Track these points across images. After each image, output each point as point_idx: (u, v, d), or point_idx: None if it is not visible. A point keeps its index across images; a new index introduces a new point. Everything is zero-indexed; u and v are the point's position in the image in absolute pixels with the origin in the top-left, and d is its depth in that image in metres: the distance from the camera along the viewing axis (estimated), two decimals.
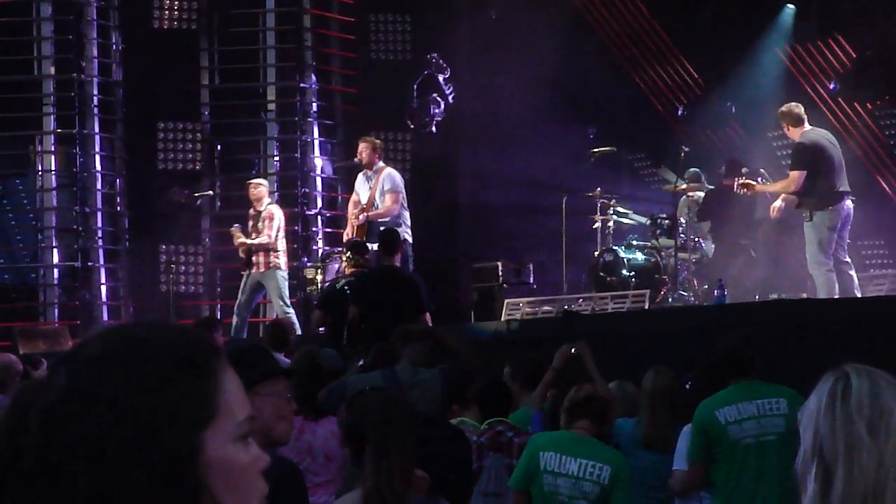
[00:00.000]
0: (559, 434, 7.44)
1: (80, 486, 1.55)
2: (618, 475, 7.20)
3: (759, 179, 14.37)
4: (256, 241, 15.13)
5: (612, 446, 7.82)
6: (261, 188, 15.56)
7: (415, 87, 18.22)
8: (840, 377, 3.00)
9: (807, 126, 13.09)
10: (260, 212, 15.33)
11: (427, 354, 8.26)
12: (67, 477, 1.55)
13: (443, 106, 18.04)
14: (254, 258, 15.23)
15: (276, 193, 18.61)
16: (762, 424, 7.53)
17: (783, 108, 13.28)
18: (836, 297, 12.72)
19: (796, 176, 12.81)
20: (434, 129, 18.21)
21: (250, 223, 15.46)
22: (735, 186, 13.60)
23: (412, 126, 18.47)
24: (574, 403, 7.36)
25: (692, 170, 16.09)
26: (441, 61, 18.08)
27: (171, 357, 1.63)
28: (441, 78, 18.12)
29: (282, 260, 15.32)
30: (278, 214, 15.39)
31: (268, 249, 15.16)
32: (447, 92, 18.12)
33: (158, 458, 1.57)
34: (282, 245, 15.36)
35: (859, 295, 12.99)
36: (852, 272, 12.95)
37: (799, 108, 13.19)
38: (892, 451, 2.90)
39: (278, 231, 15.28)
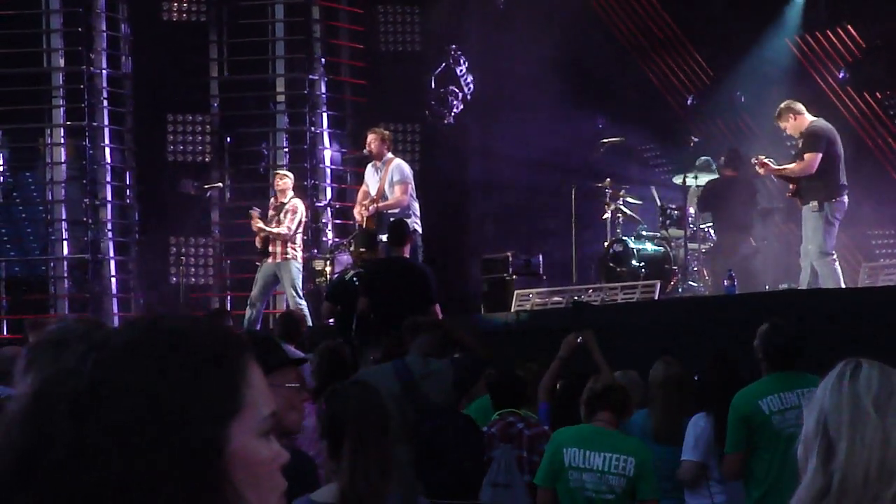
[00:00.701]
0: (581, 428, 7.41)
1: (110, 474, 1.54)
2: (643, 465, 7.19)
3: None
4: (276, 231, 15.21)
5: None
6: (286, 180, 15.67)
7: (432, 78, 18.19)
8: (850, 362, 3.00)
9: (811, 116, 13.16)
10: (283, 203, 15.40)
11: (437, 346, 8.29)
12: (98, 464, 1.54)
13: (461, 97, 18.01)
14: (271, 248, 15.29)
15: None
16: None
17: (783, 105, 13.30)
18: (843, 286, 12.78)
19: (813, 158, 12.81)
20: (452, 120, 18.19)
21: (270, 212, 15.52)
22: (754, 165, 13.54)
23: (430, 117, 18.43)
24: (593, 395, 7.34)
25: (703, 158, 16.09)
26: (460, 53, 18.04)
27: (200, 348, 1.63)
28: (459, 70, 18.09)
29: (298, 252, 15.43)
30: (301, 209, 15.50)
31: (285, 241, 15.23)
32: (465, 84, 18.08)
33: (187, 447, 1.57)
34: (299, 238, 15.46)
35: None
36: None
37: (797, 103, 13.28)
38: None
39: (299, 225, 15.38)
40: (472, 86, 18.15)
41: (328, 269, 15.86)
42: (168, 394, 1.58)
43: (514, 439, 8.12)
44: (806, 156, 12.90)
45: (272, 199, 15.82)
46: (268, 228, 15.27)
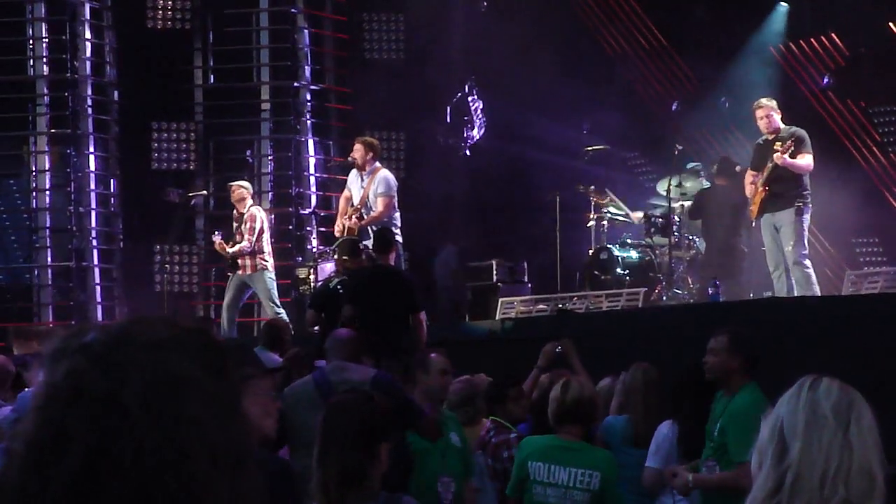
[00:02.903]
0: (547, 441, 7.40)
1: (197, 469, 1.53)
2: (608, 479, 7.18)
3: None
4: (235, 249, 15.11)
5: (599, 443, 7.84)
6: (241, 190, 15.48)
7: (448, 108, 18.15)
8: (810, 376, 2.98)
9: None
10: (242, 214, 15.31)
11: (350, 350, 8.32)
12: (184, 459, 1.53)
13: (476, 129, 17.97)
14: (240, 261, 15.21)
15: (269, 193, 18.61)
16: None
17: (766, 100, 13.35)
18: (819, 294, 12.84)
19: (811, 160, 12.90)
20: (468, 151, 18.16)
21: (234, 225, 15.46)
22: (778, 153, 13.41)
23: (446, 147, 18.39)
24: (561, 409, 7.30)
25: (694, 163, 16.14)
26: (475, 85, 17.99)
27: (222, 347, 1.64)
28: (471, 100, 18.02)
29: (269, 261, 15.28)
30: (260, 216, 15.31)
31: (253, 252, 15.14)
32: (477, 119, 18.01)
33: (238, 438, 1.58)
34: (267, 247, 15.32)
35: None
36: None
37: None
38: (863, 441, 2.86)
39: (260, 234, 15.21)
40: (484, 119, 18.07)
41: (311, 276, 15.80)
42: (217, 388, 1.58)
43: (485, 447, 8.17)
44: (807, 156, 12.91)
45: (234, 212, 15.70)
46: (229, 250, 15.18)
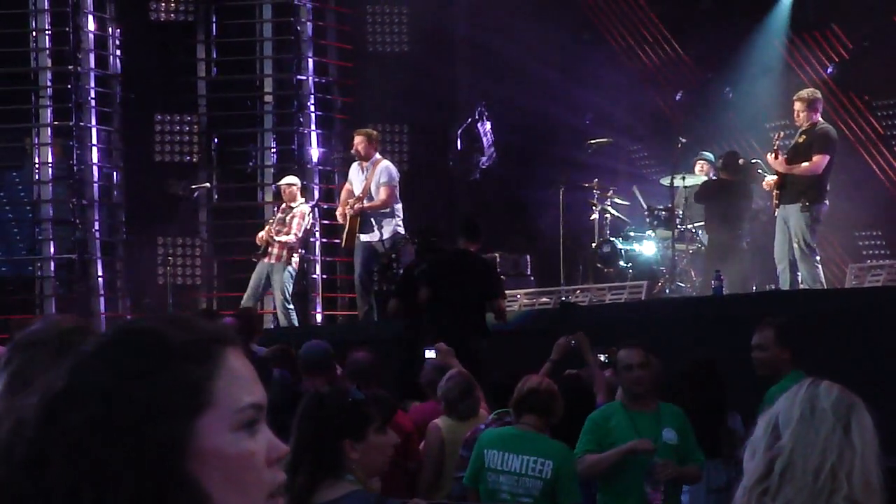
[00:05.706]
0: (505, 431, 7.47)
1: (60, 477, 1.53)
2: (561, 469, 7.18)
3: (759, 171, 14.43)
4: (283, 239, 15.13)
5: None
6: (293, 188, 15.55)
7: (458, 133, 18.12)
8: (810, 378, 2.96)
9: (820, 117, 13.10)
10: (292, 207, 15.33)
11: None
12: (49, 469, 1.53)
13: (486, 156, 17.92)
14: (270, 248, 15.22)
15: (272, 186, 18.59)
16: None
17: (807, 94, 13.18)
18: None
19: (822, 160, 12.75)
20: (479, 175, 18.12)
21: (279, 215, 15.47)
22: (771, 153, 13.32)
23: (457, 174, 18.34)
24: (518, 398, 7.36)
25: (706, 154, 16.12)
26: (485, 110, 17.93)
27: (163, 345, 1.60)
28: (481, 126, 17.95)
29: (295, 258, 15.36)
30: (309, 215, 15.48)
31: (290, 246, 15.17)
32: (486, 145, 17.96)
33: (144, 447, 1.54)
34: (300, 243, 15.44)
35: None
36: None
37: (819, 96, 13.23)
38: (866, 445, 2.83)
39: (305, 231, 15.35)
40: (493, 150, 18.00)
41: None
42: (126, 393, 1.55)
43: None
44: (816, 157, 12.77)
45: (283, 204, 15.69)
46: (277, 238, 15.18)
